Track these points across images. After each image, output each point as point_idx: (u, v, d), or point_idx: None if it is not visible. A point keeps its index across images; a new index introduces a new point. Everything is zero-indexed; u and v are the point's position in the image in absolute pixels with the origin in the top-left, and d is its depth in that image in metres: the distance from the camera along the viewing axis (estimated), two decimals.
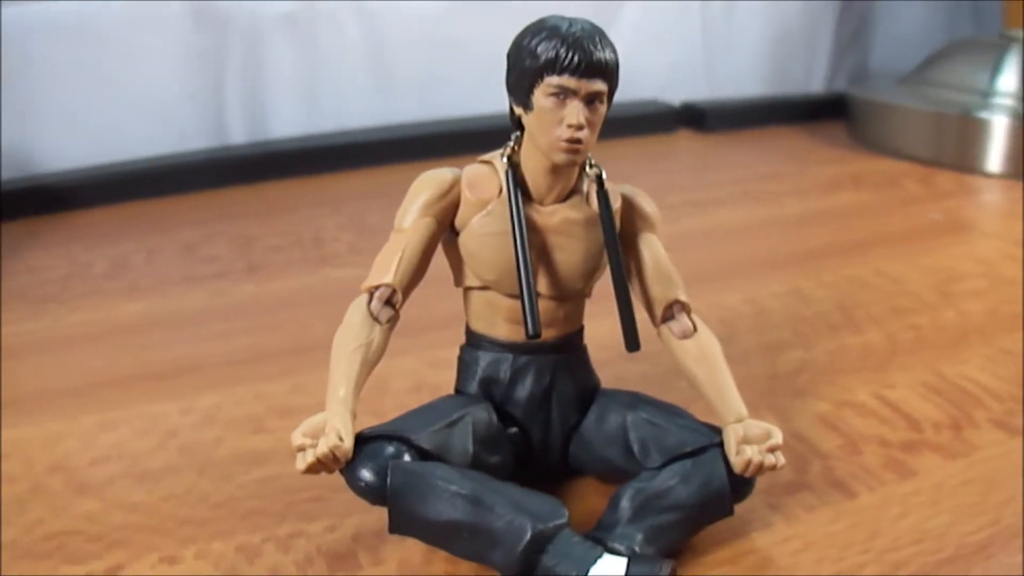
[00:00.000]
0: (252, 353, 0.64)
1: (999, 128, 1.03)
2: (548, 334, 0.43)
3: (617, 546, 0.38)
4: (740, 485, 0.41)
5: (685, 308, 0.44)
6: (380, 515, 0.45)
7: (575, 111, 0.38)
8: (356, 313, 0.42)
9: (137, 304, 0.73)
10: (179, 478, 0.50)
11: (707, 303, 0.66)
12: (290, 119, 1.13)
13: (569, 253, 0.42)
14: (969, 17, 1.42)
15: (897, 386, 0.58)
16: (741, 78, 1.33)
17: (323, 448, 0.37)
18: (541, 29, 0.39)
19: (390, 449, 0.38)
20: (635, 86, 1.30)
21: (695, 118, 1.26)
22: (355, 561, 0.42)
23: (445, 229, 0.43)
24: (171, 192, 1.04)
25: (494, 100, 1.20)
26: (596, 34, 0.39)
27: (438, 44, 1.16)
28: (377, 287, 0.42)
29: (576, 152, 0.39)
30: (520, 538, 0.36)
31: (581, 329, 0.46)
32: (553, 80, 0.38)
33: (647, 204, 0.45)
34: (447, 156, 1.18)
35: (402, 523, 0.38)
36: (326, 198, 1.00)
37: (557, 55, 0.38)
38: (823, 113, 1.27)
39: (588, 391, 0.46)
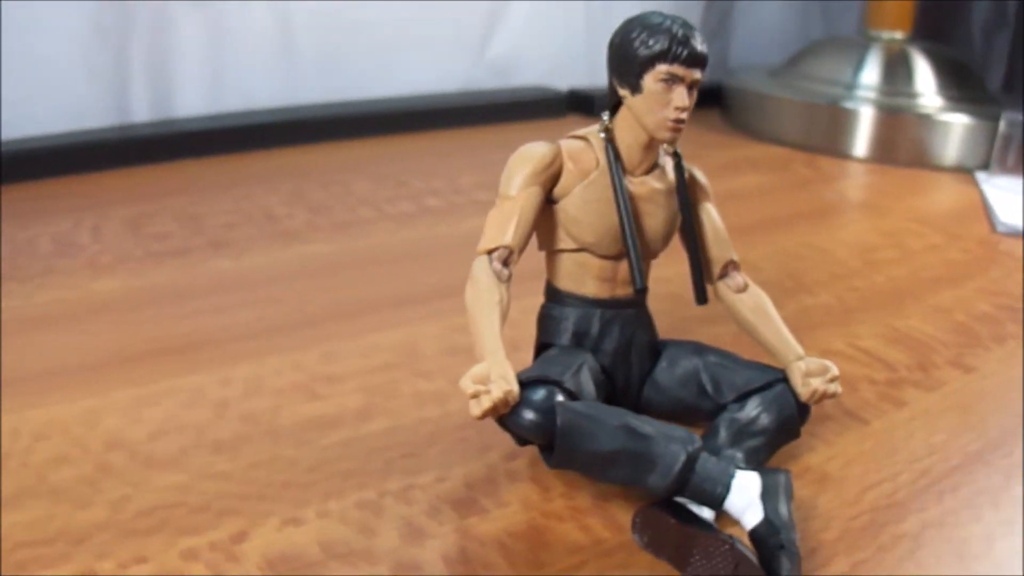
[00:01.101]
0: (262, 326, 0.64)
1: (864, 117, 1.16)
2: (628, 291, 0.49)
3: (729, 460, 0.44)
4: (803, 412, 0.48)
5: (737, 266, 0.51)
6: (484, 463, 0.49)
7: (682, 95, 0.44)
8: (482, 274, 0.44)
9: (109, 282, 0.70)
10: (255, 446, 0.50)
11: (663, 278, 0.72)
12: (195, 98, 1.10)
13: (654, 219, 0.48)
14: (820, 16, 1.57)
15: (863, 337, 0.67)
16: None
17: (498, 393, 0.40)
18: (650, 24, 0.44)
19: (544, 392, 0.41)
20: (524, 73, 1.36)
21: (583, 104, 1.33)
22: (478, 505, 0.45)
23: (546, 196, 0.47)
24: (71, 171, 0.99)
25: (396, 82, 1.25)
26: (694, 30, 0.45)
27: (343, 26, 1.16)
28: (495, 249, 0.45)
29: (679, 131, 0.45)
30: (676, 460, 0.40)
31: (647, 288, 0.51)
32: (664, 68, 0.44)
33: (703, 178, 0.51)
34: (350, 137, 1.21)
35: (565, 458, 0.41)
36: (246, 176, 0.98)
37: (669, 47, 0.44)
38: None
39: (656, 342, 0.51)
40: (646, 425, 0.41)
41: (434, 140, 1.16)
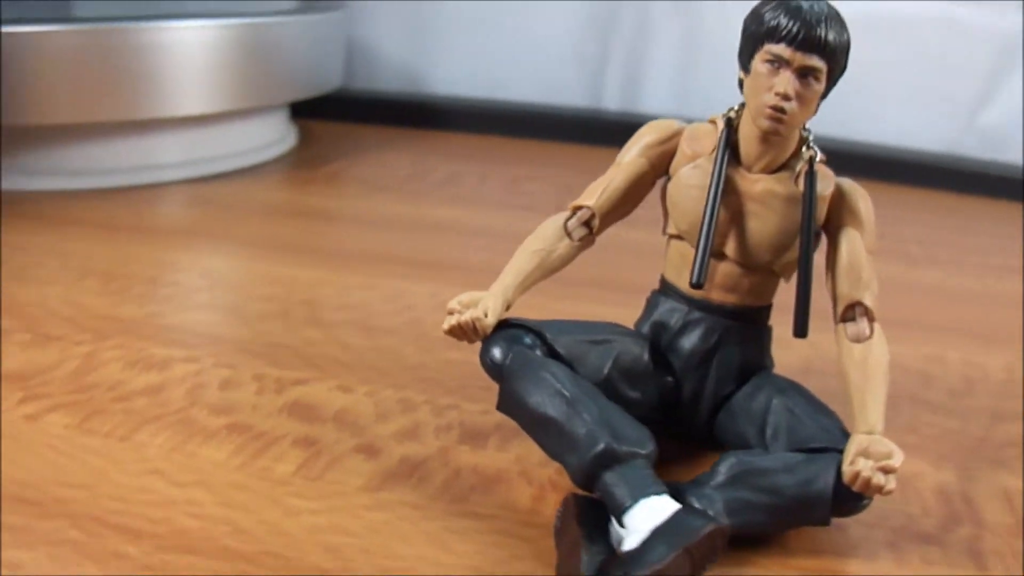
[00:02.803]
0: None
1: None
2: (727, 298, 0.43)
3: (694, 503, 0.37)
4: (847, 498, 0.37)
5: (867, 313, 0.41)
6: None
7: (785, 80, 0.38)
8: (552, 224, 0.44)
9: (451, 211, 0.81)
10: (392, 339, 0.56)
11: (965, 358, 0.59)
12: (662, 96, 1.17)
13: (763, 223, 0.42)
14: None
15: None
16: None
17: (467, 317, 0.40)
18: (785, 1, 0.39)
19: (526, 339, 0.40)
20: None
21: None
22: (484, 442, 0.45)
23: (659, 174, 0.44)
24: (534, 136, 1.13)
25: (875, 128, 1.17)
26: (826, 14, 0.38)
27: None
28: (580, 208, 0.44)
29: (779, 121, 0.39)
30: (591, 448, 0.36)
31: (766, 308, 0.45)
32: (770, 48, 0.38)
33: (861, 201, 0.42)
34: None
35: (506, 404, 0.39)
36: None
37: (779, 24, 0.38)
38: None
39: (752, 367, 0.44)
40: (592, 406, 0.37)
41: (908, 196, 1.05)
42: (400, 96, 1.18)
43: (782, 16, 0.38)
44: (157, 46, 0.83)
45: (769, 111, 0.39)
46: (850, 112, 1.13)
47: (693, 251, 0.42)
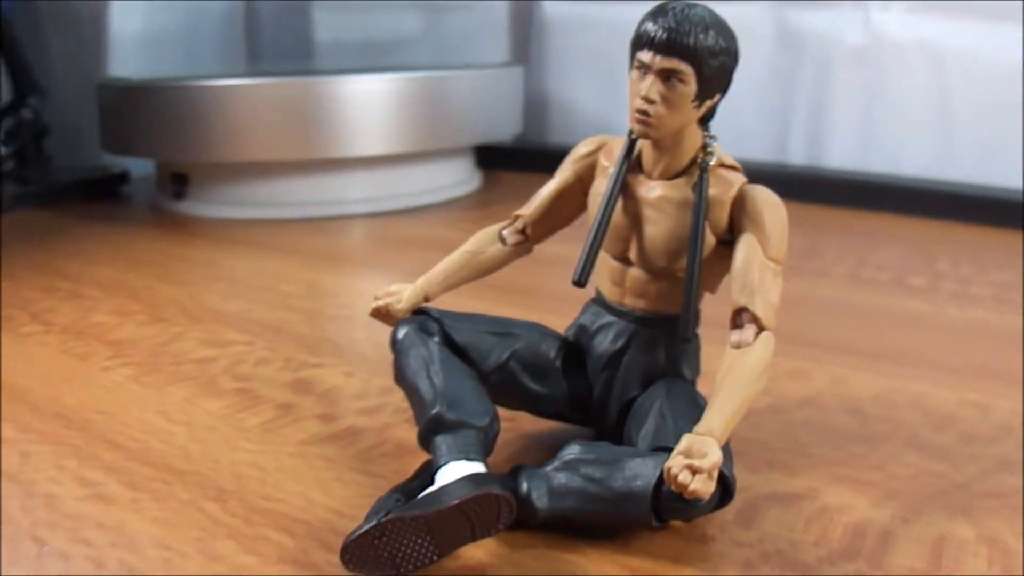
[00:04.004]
0: None
1: None
2: (637, 304, 0.45)
3: (524, 482, 0.40)
4: (671, 499, 0.38)
5: (755, 320, 0.41)
6: None
7: (647, 84, 0.41)
8: (488, 229, 0.50)
9: None
10: None
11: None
12: (845, 151, 1.15)
13: (658, 228, 0.44)
14: None
15: None
16: None
17: (383, 303, 0.48)
18: (656, 7, 0.41)
19: (428, 325, 0.46)
20: None
21: None
22: None
23: (587, 185, 0.48)
24: None
25: None
26: (696, 19, 0.40)
27: (1006, 107, 1.04)
28: (517, 217, 0.50)
29: (646, 124, 0.41)
30: (427, 413, 0.42)
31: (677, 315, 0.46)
32: (638, 55, 0.41)
33: (765, 208, 0.42)
34: (1004, 226, 1.06)
35: (395, 375, 0.46)
36: (867, 231, 0.99)
37: (644, 31, 0.40)
38: None
39: (659, 373, 0.46)
40: (448, 381, 0.42)
41: None
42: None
43: (648, 23, 0.40)
44: (347, 95, 1.00)
45: (635, 115, 0.41)
46: None
47: (609, 258, 0.46)
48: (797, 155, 1.19)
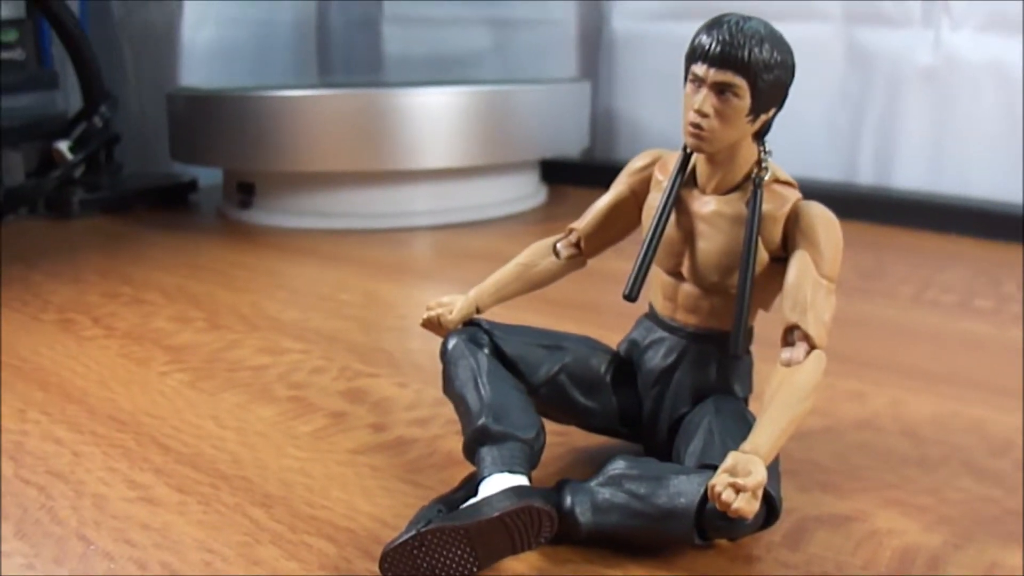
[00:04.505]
0: None
1: None
2: (689, 319, 0.45)
3: (568, 496, 0.40)
4: (715, 519, 0.38)
5: (807, 338, 0.40)
6: None
7: (701, 97, 0.40)
8: (542, 242, 0.49)
9: None
10: None
11: None
12: (914, 171, 1.12)
13: (711, 244, 0.43)
14: None
15: None
16: None
17: (432, 313, 0.48)
18: (711, 20, 0.41)
19: (478, 336, 0.46)
20: None
21: None
22: None
23: (641, 199, 0.47)
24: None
25: None
26: (751, 33, 0.39)
27: None
28: (572, 230, 0.49)
29: (699, 138, 0.41)
30: (473, 424, 0.42)
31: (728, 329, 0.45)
32: (692, 68, 0.41)
33: (819, 225, 0.41)
34: None
35: (444, 385, 0.46)
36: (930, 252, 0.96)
37: (699, 45, 0.40)
38: None
39: (710, 390, 0.45)
40: (495, 392, 0.42)
41: None
42: None
43: (703, 36, 0.40)
44: (414, 108, 1.01)
45: (689, 128, 0.41)
46: None
47: (662, 274, 0.45)
48: (866, 175, 1.16)
